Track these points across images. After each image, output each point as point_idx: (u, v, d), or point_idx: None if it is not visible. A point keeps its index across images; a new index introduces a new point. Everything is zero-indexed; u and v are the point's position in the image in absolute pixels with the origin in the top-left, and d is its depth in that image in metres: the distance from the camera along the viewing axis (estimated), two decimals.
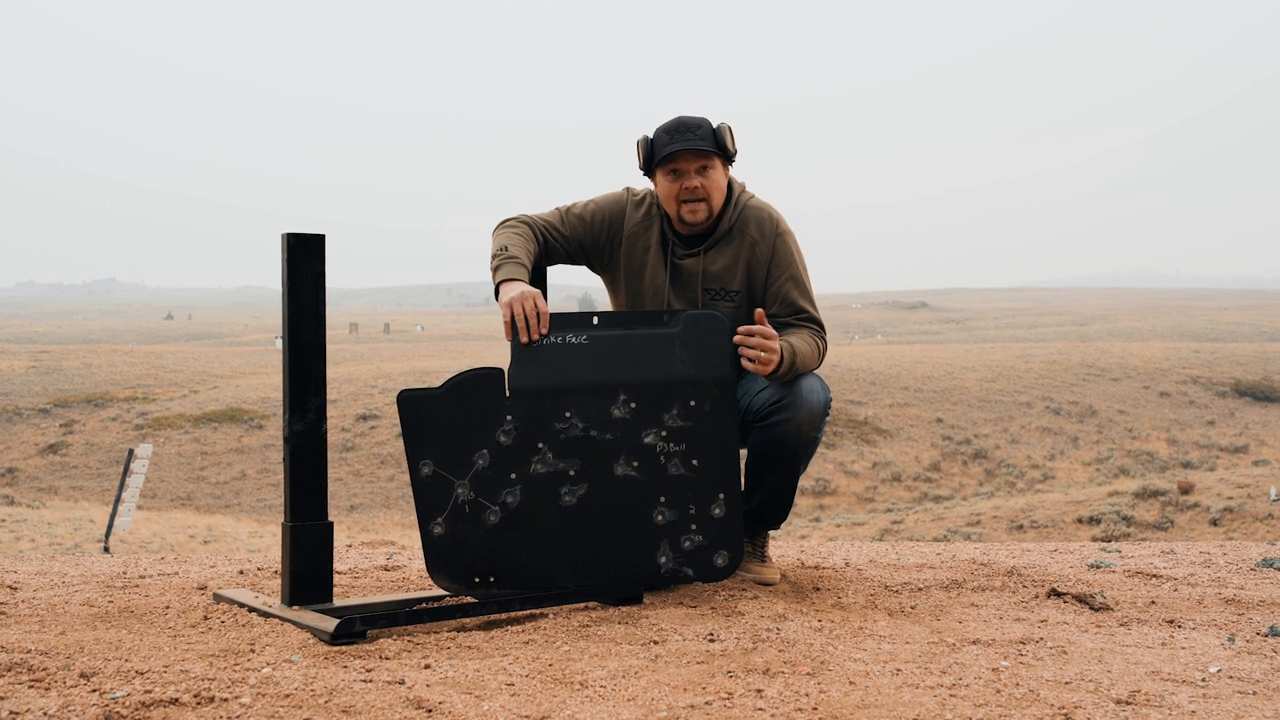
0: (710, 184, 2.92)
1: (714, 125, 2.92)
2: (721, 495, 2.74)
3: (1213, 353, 40.57)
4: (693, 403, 2.74)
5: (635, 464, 2.72)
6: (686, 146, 2.87)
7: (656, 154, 2.93)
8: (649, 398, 2.73)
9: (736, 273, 3.00)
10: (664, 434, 2.73)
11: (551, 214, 3.06)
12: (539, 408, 2.69)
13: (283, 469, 2.67)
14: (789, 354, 2.82)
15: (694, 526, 2.73)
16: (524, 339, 2.70)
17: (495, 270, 2.84)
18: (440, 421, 2.65)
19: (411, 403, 2.66)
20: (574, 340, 2.73)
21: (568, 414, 2.70)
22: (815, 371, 2.95)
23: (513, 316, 2.71)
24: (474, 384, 2.68)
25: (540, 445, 2.69)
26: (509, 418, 2.68)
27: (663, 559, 2.72)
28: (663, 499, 2.72)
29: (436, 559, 2.64)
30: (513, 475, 2.67)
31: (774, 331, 2.78)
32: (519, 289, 2.74)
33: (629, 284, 3.06)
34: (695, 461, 2.73)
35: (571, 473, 2.69)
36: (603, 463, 2.71)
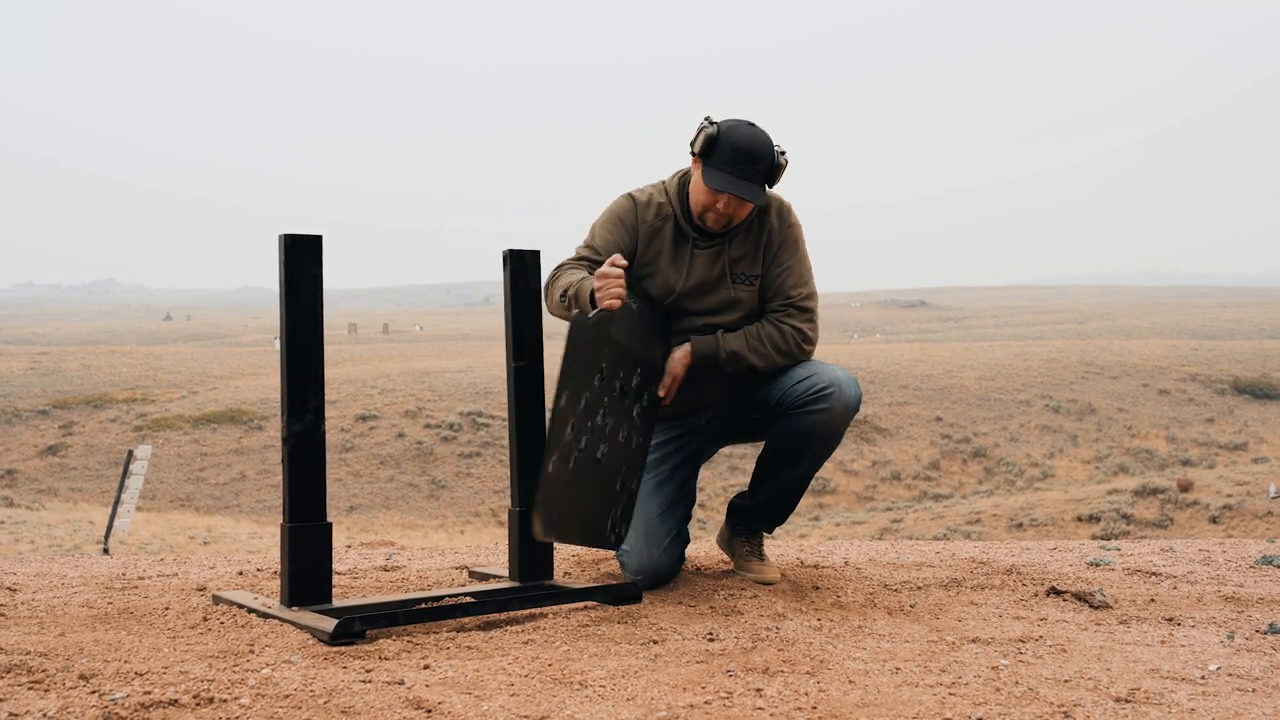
0: (742, 210, 2.93)
1: (774, 159, 2.88)
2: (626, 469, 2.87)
3: (1211, 350, 40.57)
4: (652, 386, 2.90)
5: (622, 435, 2.80)
6: (736, 194, 2.83)
7: (707, 167, 2.87)
8: (645, 375, 2.87)
9: (757, 258, 3.04)
10: (638, 410, 2.84)
11: (585, 250, 3.04)
12: (614, 361, 2.74)
13: (281, 470, 2.67)
14: (707, 345, 2.94)
15: (625, 497, 2.84)
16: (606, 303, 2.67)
17: (575, 297, 2.80)
18: (583, 352, 2.63)
19: (579, 327, 2.62)
20: (632, 306, 2.81)
21: (621, 374, 2.77)
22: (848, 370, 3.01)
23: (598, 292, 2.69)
24: (604, 321, 2.69)
25: (606, 400, 2.73)
26: (604, 365, 2.71)
27: (609, 523, 2.80)
28: (624, 469, 2.81)
29: (546, 495, 2.57)
30: (589, 424, 2.68)
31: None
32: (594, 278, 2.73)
33: (652, 279, 3.05)
34: (638, 440, 2.86)
35: (608, 431, 2.75)
36: (618, 427, 2.78)
